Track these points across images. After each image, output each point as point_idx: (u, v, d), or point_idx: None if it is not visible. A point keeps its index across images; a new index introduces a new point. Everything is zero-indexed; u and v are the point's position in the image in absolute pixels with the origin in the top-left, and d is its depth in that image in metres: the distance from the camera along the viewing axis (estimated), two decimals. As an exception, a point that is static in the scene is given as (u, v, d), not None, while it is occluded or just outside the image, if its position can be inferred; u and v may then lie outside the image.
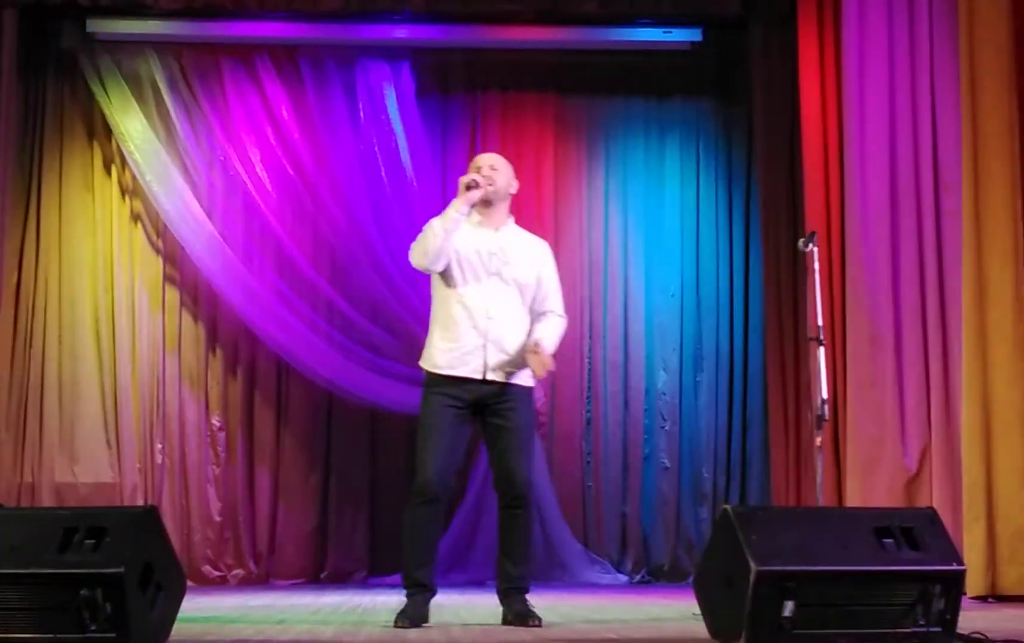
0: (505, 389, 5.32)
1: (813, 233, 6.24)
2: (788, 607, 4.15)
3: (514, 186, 5.59)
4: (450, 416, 5.29)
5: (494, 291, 5.35)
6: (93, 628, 4.01)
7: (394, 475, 9.19)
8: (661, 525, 9.31)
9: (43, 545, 4.12)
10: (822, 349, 5.93)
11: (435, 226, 5.35)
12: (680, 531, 9.30)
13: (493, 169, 5.47)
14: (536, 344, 5.28)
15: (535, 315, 5.50)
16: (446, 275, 5.40)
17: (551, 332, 5.47)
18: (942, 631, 4.30)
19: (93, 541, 4.08)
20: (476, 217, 5.46)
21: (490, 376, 5.30)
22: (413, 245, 5.46)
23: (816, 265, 6.07)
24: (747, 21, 9.05)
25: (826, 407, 5.82)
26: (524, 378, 5.41)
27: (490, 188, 5.40)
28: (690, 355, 9.49)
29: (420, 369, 5.48)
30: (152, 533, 4.26)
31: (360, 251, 9.21)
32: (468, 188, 5.34)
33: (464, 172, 5.30)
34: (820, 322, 6.07)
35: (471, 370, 5.29)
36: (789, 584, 4.15)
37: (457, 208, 5.32)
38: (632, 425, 9.42)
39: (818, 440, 5.96)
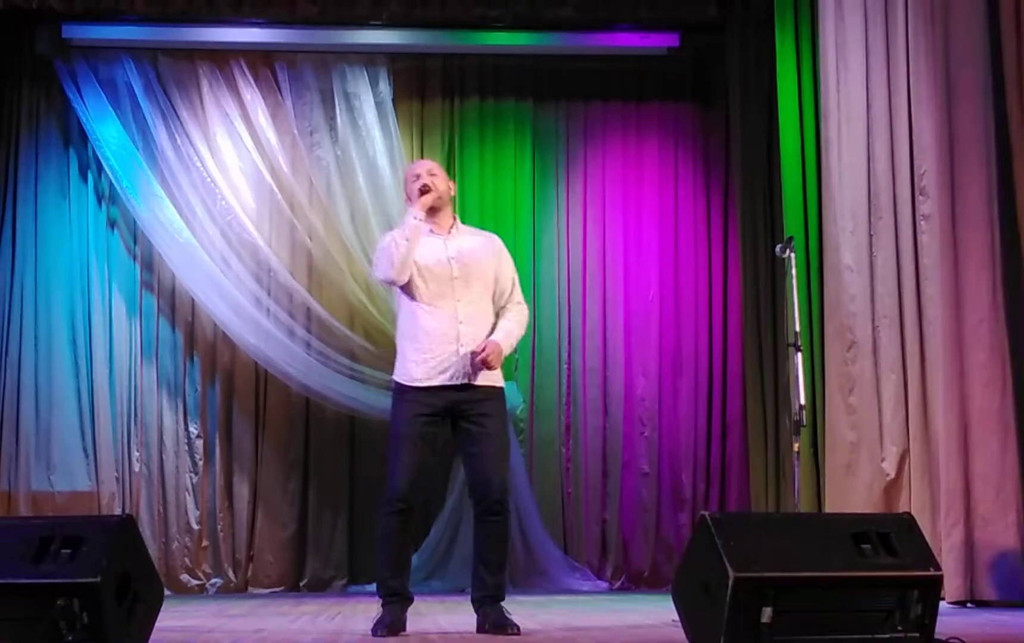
0: (479, 392, 5.30)
1: (790, 238, 6.25)
2: (766, 613, 4.14)
3: (453, 187, 5.63)
4: (419, 426, 5.26)
5: (460, 296, 5.34)
6: (70, 638, 3.96)
7: (373, 482, 9.10)
8: (641, 531, 9.32)
9: (18, 555, 4.08)
10: (800, 355, 5.94)
11: (396, 237, 5.33)
12: (660, 537, 9.31)
13: (433, 174, 5.47)
14: (475, 353, 5.26)
15: (498, 308, 5.48)
16: (410, 288, 5.37)
17: (510, 327, 5.44)
18: (920, 636, 4.29)
19: (69, 551, 4.05)
20: (425, 226, 5.45)
21: (464, 381, 5.27)
22: (376, 259, 5.44)
23: (793, 271, 6.07)
24: (724, 25, 9.07)
25: (804, 412, 5.83)
26: (498, 378, 5.40)
27: (435, 194, 5.41)
28: (669, 360, 9.50)
29: (393, 382, 5.44)
30: (129, 542, 4.22)
31: (338, 257, 9.19)
32: (422, 193, 5.34)
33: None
34: (797, 328, 6.07)
35: (448, 378, 5.27)
36: (767, 590, 4.13)
37: (415, 214, 5.32)
38: (611, 431, 9.43)
39: (796, 445, 5.95)
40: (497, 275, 5.48)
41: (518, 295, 5.55)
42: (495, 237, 5.67)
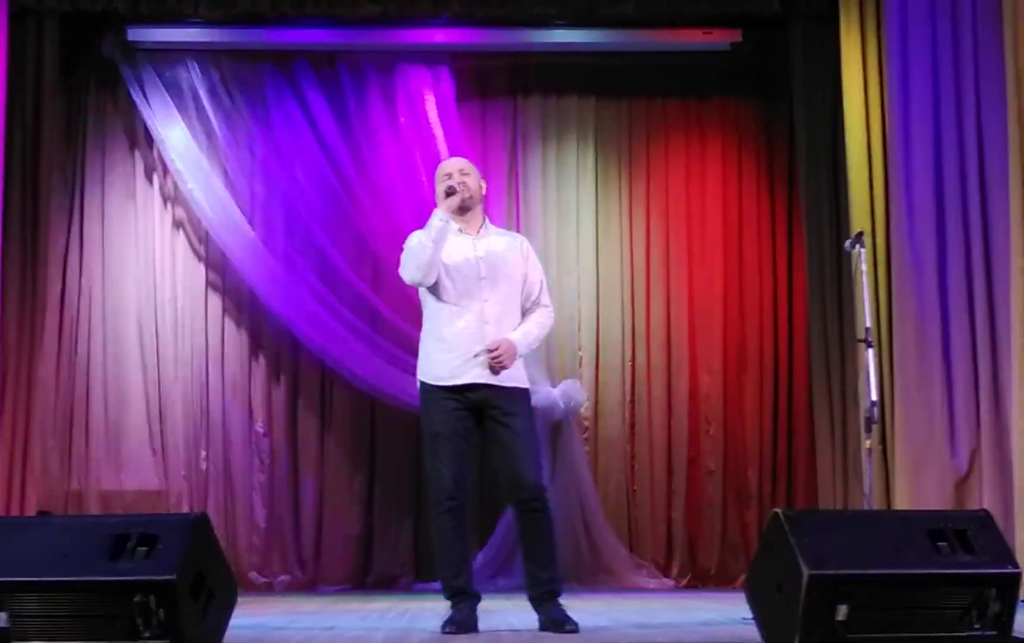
0: (503, 392, 5.29)
1: (860, 234, 6.19)
2: (841, 611, 4.12)
3: (483, 187, 5.59)
4: (454, 421, 5.26)
5: (487, 296, 5.33)
6: (146, 635, 4.02)
7: (438, 480, 9.18)
8: (707, 529, 9.27)
9: (95, 552, 4.13)
10: (871, 351, 5.88)
11: (421, 238, 5.32)
12: (726, 535, 9.26)
13: (464, 174, 5.45)
14: (489, 346, 5.25)
15: (524, 311, 5.47)
16: (438, 288, 5.37)
17: (527, 329, 5.44)
18: (997, 634, 4.25)
19: (145, 548, 4.10)
20: (455, 225, 5.44)
21: (490, 380, 5.27)
22: (402, 260, 5.43)
23: (864, 266, 6.02)
24: (787, 20, 8.99)
25: (875, 409, 5.77)
26: (522, 379, 5.39)
27: (467, 195, 5.39)
28: (734, 357, 9.44)
29: (419, 382, 5.44)
30: (204, 540, 4.26)
31: (401, 256, 9.19)
32: (448, 195, 5.32)
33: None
34: (868, 324, 6.02)
35: (473, 377, 5.26)
36: (842, 588, 4.11)
37: (440, 217, 5.30)
38: (676, 428, 9.38)
39: (868, 442, 5.90)
40: (525, 277, 5.47)
41: (544, 298, 5.54)
42: (523, 239, 5.70)
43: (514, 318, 5.40)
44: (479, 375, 5.25)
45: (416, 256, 5.32)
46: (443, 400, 5.28)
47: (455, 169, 5.48)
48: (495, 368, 5.24)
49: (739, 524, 9.30)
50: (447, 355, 5.30)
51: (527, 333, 5.42)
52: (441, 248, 5.30)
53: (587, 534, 8.95)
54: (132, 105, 9.27)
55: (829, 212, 8.77)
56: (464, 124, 9.38)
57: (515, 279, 5.43)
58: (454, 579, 5.28)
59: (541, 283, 5.55)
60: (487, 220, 5.56)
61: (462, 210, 5.40)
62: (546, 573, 5.31)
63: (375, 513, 9.31)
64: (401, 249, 8.92)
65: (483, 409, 5.29)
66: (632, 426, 9.40)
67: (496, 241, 5.48)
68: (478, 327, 5.29)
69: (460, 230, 5.42)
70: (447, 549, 5.27)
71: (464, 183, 5.40)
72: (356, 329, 9.19)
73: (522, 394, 5.38)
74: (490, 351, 5.23)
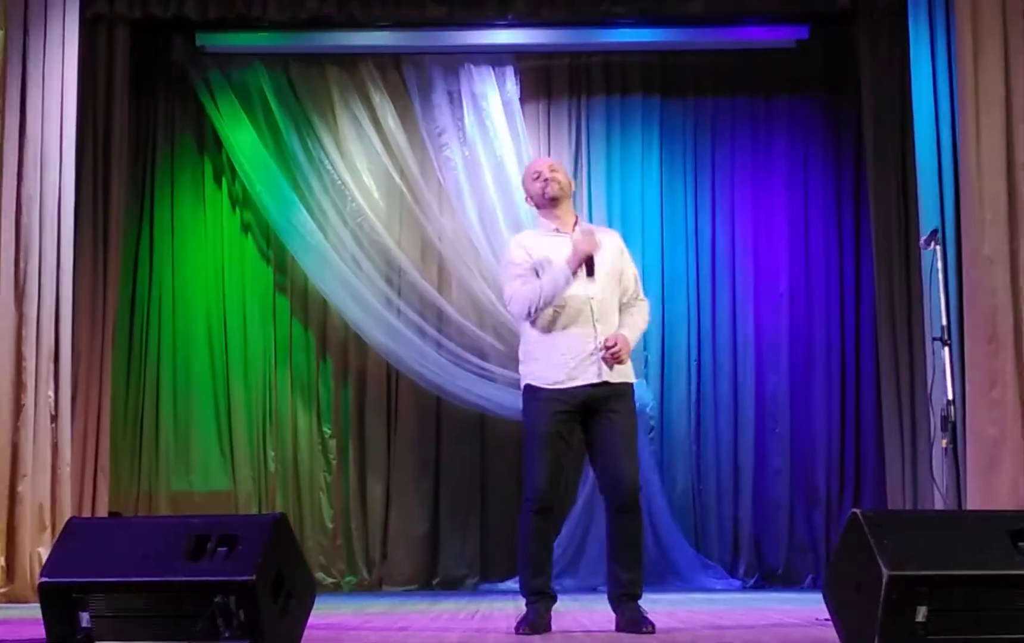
0: (611, 388, 5.28)
1: (935, 231, 6.14)
2: (921, 612, 4.08)
3: (573, 183, 5.62)
4: (556, 424, 5.26)
5: (591, 293, 5.32)
6: (227, 635, 4.05)
7: (504, 480, 9.23)
8: (773, 529, 9.23)
9: (176, 553, 4.17)
10: (946, 349, 5.82)
11: (545, 290, 5.28)
12: (793, 535, 9.21)
13: (554, 170, 5.47)
14: (603, 346, 5.24)
15: (622, 306, 5.47)
16: None
17: (634, 323, 5.44)
18: (1080, 636, 4.20)
19: (225, 549, 4.13)
20: (551, 224, 5.44)
21: (605, 378, 5.26)
22: (514, 297, 5.38)
23: (939, 263, 5.96)
24: (855, 15, 8.91)
25: (952, 408, 5.72)
26: (631, 374, 5.39)
27: (555, 188, 5.40)
28: (800, 356, 9.39)
29: (524, 384, 5.43)
30: (283, 541, 4.29)
31: (467, 257, 9.24)
32: (585, 261, 5.28)
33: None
34: (944, 321, 5.96)
35: (589, 376, 5.25)
36: (922, 589, 4.08)
37: (568, 277, 5.26)
38: (742, 428, 9.34)
39: (944, 441, 5.85)
40: (622, 272, 5.47)
41: (640, 291, 5.55)
42: (617, 234, 5.71)
43: (615, 313, 5.40)
44: (595, 374, 5.26)
45: (531, 301, 5.29)
46: (550, 402, 5.28)
47: (545, 167, 5.49)
48: (610, 363, 5.24)
49: (806, 524, 9.25)
50: (561, 357, 5.29)
51: (634, 326, 5.43)
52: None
53: (653, 533, 8.92)
54: (201, 110, 9.38)
55: (897, 209, 8.68)
56: (529, 124, 9.40)
57: (613, 275, 5.41)
58: (533, 579, 5.29)
59: (636, 277, 5.55)
60: (579, 217, 5.55)
61: (554, 203, 5.42)
62: (629, 575, 5.31)
63: (441, 513, 9.34)
64: (469, 249, 9.06)
65: (591, 406, 5.29)
66: (698, 425, 9.37)
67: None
68: (587, 325, 5.29)
69: (556, 230, 5.43)
70: (530, 549, 5.28)
71: (555, 178, 5.41)
72: (421, 330, 9.22)
73: (629, 389, 5.37)
74: (607, 347, 5.23)
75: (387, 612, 6.79)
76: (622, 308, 5.46)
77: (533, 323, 5.38)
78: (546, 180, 5.42)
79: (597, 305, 5.30)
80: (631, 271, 5.53)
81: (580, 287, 5.30)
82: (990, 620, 4.19)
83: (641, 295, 5.55)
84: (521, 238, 5.60)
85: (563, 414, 5.27)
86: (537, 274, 5.35)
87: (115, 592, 4.15)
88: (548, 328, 5.34)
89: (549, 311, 5.31)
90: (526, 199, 5.57)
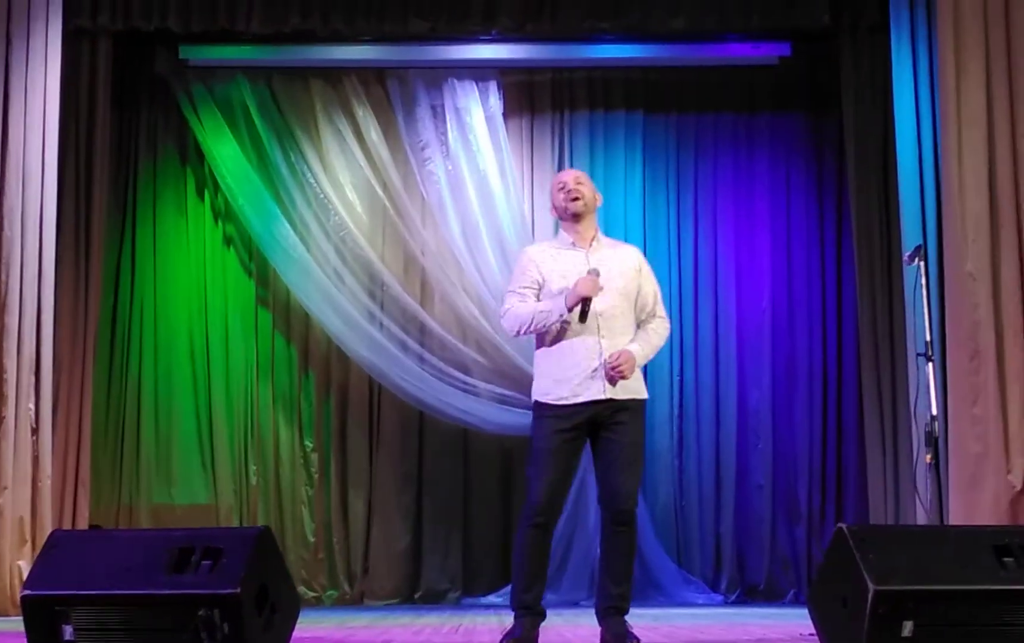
0: (619, 404, 5.27)
1: (919, 246, 6.16)
2: (907, 627, 4.09)
3: (599, 198, 5.56)
4: (560, 441, 5.24)
5: (602, 307, 5.29)
6: (211, 648, 4.03)
7: (487, 495, 9.23)
8: (756, 544, 9.23)
9: (160, 566, 4.16)
10: (931, 365, 5.84)
11: (536, 318, 5.27)
12: (775, 550, 9.21)
13: (579, 183, 5.44)
14: (607, 362, 5.23)
15: (640, 323, 5.44)
16: None
17: (646, 340, 5.40)
18: (1065, 651, 4.21)
19: (209, 562, 4.11)
20: (568, 238, 5.43)
21: (609, 395, 5.24)
22: (507, 314, 5.39)
23: (923, 279, 5.98)
24: (837, 32, 8.94)
25: (936, 424, 5.73)
26: (640, 390, 5.35)
27: (579, 205, 5.38)
28: (782, 372, 9.40)
29: (533, 400, 5.43)
30: (267, 554, 4.28)
31: (450, 271, 9.24)
32: (583, 303, 5.27)
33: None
34: (928, 337, 5.97)
35: (594, 393, 5.24)
36: (908, 604, 4.09)
37: (562, 315, 5.26)
38: (724, 443, 9.35)
39: (928, 457, 5.86)
40: (639, 289, 5.44)
41: (660, 310, 5.49)
42: (637, 250, 5.62)
43: (628, 331, 5.36)
44: (598, 391, 5.23)
45: (521, 322, 5.31)
46: (556, 418, 5.27)
47: (570, 178, 5.46)
48: (614, 379, 5.23)
49: (788, 539, 9.26)
50: (567, 373, 5.27)
51: (645, 343, 5.38)
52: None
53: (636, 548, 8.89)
54: (183, 122, 9.37)
55: (879, 226, 8.71)
56: (512, 139, 9.41)
57: (629, 292, 5.38)
58: (524, 593, 5.27)
59: (656, 295, 5.50)
60: (599, 232, 5.52)
61: (575, 218, 5.40)
62: (618, 589, 5.31)
63: (423, 527, 9.32)
64: (452, 263, 9.06)
65: (597, 421, 5.27)
66: (680, 441, 9.38)
67: (608, 254, 5.43)
68: (594, 342, 5.27)
69: (573, 244, 5.41)
70: (524, 563, 5.26)
71: (579, 192, 5.39)
72: (404, 344, 9.21)
73: (637, 405, 5.35)
74: (611, 365, 5.21)
75: (370, 626, 6.78)
76: (640, 325, 5.45)
77: (544, 341, 5.37)
78: (569, 192, 5.39)
79: (604, 322, 5.28)
80: (649, 288, 5.48)
81: (589, 303, 5.28)
82: (976, 635, 4.21)
83: (660, 313, 5.49)
84: (535, 250, 5.54)
85: (567, 431, 5.25)
86: (538, 296, 5.35)
87: (98, 605, 4.13)
88: (554, 343, 5.33)
89: (557, 325, 5.31)
90: (550, 209, 5.54)
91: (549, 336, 5.34)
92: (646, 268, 5.51)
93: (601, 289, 5.27)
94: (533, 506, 5.22)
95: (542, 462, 5.24)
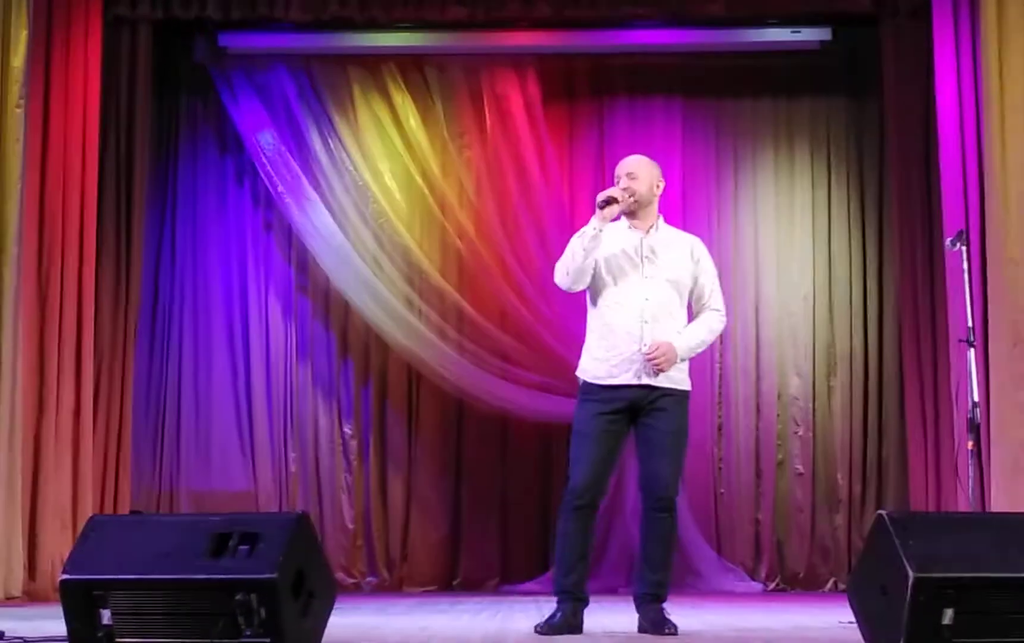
0: (659, 391, 5.24)
1: (961, 232, 6.10)
2: (948, 615, 4.05)
3: (660, 185, 5.46)
4: (603, 423, 5.22)
5: (648, 293, 5.26)
6: (248, 633, 4.03)
7: (526, 482, 9.21)
8: (795, 532, 9.18)
9: (197, 551, 4.16)
10: (972, 351, 5.78)
11: (574, 245, 5.26)
12: (815, 538, 9.16)
13: (631, 178, 5.35)
14: (647, 351, 5.18)
15: (694, 314, 5.41)
16: (597, 282, 5.32)
17: (693, 332, 5.36)
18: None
19: (247, 547, 4.11)
20: (625, 222, 5.39)
21: (646, 380, 5.21)
22: (557, 265, 5.39)
23: (965, 264, 5.92)
24: (878, 16, 8.86)
25: (978, 410, 5.67)
26: (681, 381, 5.32)
27: (631, 200, 5.31)
28: (823, 359, 9.34)
29: (557, 378, 5.42)
30: (305, 539, 4.28)
31: (488, 259, 9.22)
32: (605, 205, 5.23)
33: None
34: (970, 323, 5.92)
35: (630, 376, 5.21)
36: (949, 592, 4.04)
37: (594, 225, 5.22)
38: (764, 431, 9.31)
39: (970, 444, 5.81)
40: (695, 274, 5.39)
41: (715, 301, 5.43)
42: (696, 240, 5.55)
43: (676, 319, 5.30)
44: (635, 376, 5.21)
45: (565, 263, 5.27)
46: (596, 401, 5.25)
47: (623, 172, 5.38)
48: (652, 371, 5.20)
49: (828, 527, 9.20)
50: (606, 353, 5.26)
51: (692, 336, 5.32)
52: (592, 256, 5.23)
53: (675, 536, 8.88)
54: (223, 109, 9.39)
55: (921, 211, 8.64)
56: (551, 126, 9.37)
57: (681, 280, 5.33)
58: (564, 577, 5.26)
59: (712, 286, 5.45)
60: (661, 219, 5.44)
61: (629, 214, 5.35)
62: (656, 576, 5.29)
63: (462, 515, 9.33)
64: (490, 250, 9.06)
65: (637, 406, 5.25)
66: (720, 428, 9.34)
67: (665, 240, 5.38)
68: (637, 326, 5.23)
69: (630, 227, 5.37)
70: (566, 547, 5.25)
71: (629, 188, 5.32)
72: (442, 331, 9.21)
73: (678, 395, 5.30)
74: (648, 355, 5.18)
75: (408, 612, 6.79)
76: (694, 315, 5.42)
77: (592, 319, 5.35)
78: (626, 191, 5.34)
79: (649, 308, 5.24)
80: (706, 280, 5.43)
81: (636, 287, 5.25)
82: (1018, 624, 4.14)
83: (714, 306, 5.43)
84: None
85: (608, 414, 5.23)
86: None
87: (136, 589, 4.13)
88: (600, 323, 5.31)
89: (604, 308, 5.26)
90: None
91: (596, 314, 5.31)
92: (706, 260, 5.46)
93: (626, 190, 5.23)
94: (573, 489, 5.21)
95: (582, 445, 5.23)
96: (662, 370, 5.19)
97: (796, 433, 9.28)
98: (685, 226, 9.25)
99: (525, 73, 9.37)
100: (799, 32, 9.22)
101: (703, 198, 9.52)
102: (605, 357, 5.24)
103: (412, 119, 9.37)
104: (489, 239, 9.26)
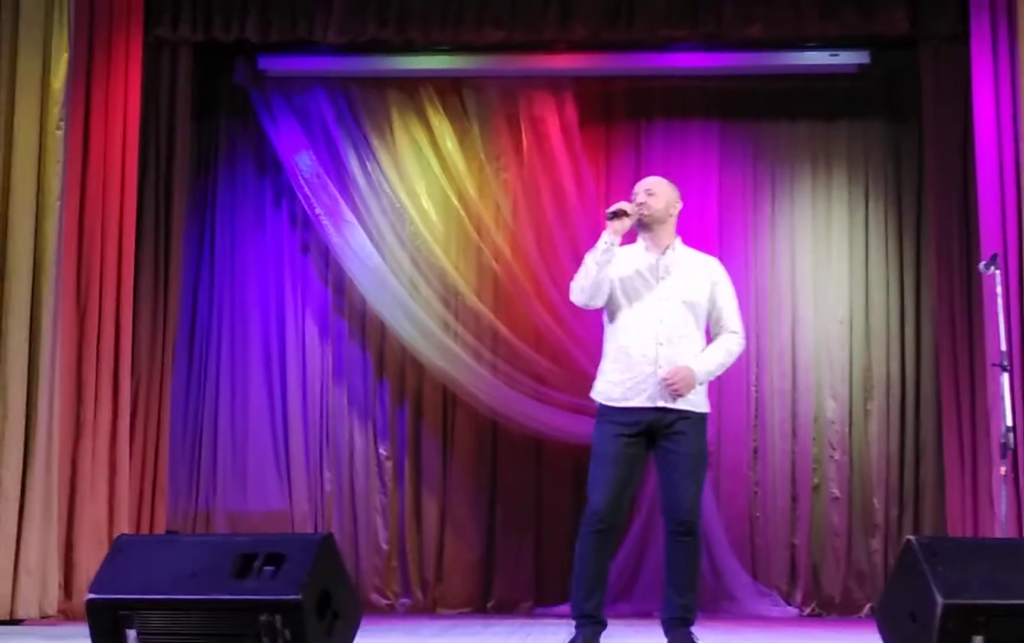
0: (675, 414, 5.23)
1: (995, 255, 6.06)
2: (977, 642, 4.01)
3: (676, 207, 5.46)
4: (620, 445, 5.22)
5: (663, 314, 5.25)
6: (273, 654, 4.06)
7: (560, 504, 9.18)
8: (831, 557, 9.11)
9: (222, 571, 4.19)
10: (1006, 375, 5.74)
11: (587, 260, 5.28)
12: (851, 563, 9.08)
13: (649, 194, 5.38)
14: (665, 376, 5.16)
15: (712, 336, 5.39)
16: (612, 304, 5.34)
17: (711, 356, 5.34)
18: None
19: (272, 568, 4.14)
20: (641, 242, 5.40)
21: (661, 403, 5.21)
22: (572, 282, 5.40)
23: (999, 289, 5.88)
24: (917, 40, 8.81)
25: (1011, 435, 5.63)
26: (699, 403, 5.30)
27: (645, 213, 5.31)
28: (859, 383, 9.27)
29: (592, 400, 5.41)
30: (330, 560, 4.30)
31: (524, 281, 9.23)
32: (614, 217, 5.25)
33: (626, 201, 5.30)
34: (1004, 347, 5.87)
35: (644, 399, 5.21)
36: (978, 619, 4.01)
37: (605, 239, 5.23)
38: (800, 454, 9.24)
39: (1003, 469, 5.76)
40: (712, 295, 5.38)
41: (733, 323, 5.43)
42: (715, 262, 5.56)
43: (692, 341, 5.31)
44: (650, 398, 5.20)
45: (579, 278, 5.29)
46: (613, 422, 5.25)
47: (641, 188, 5.42)
48: (671, 395, 5.18)
49: (865, 552, 9.12)
50: (620, 375, 5.26)
51: (711, 360, 5.32)
52: (605, 270, 5.23)
53: (709, 559, 8.84)
54: (262, 131, 9.44)
55: (959, 235, 8.57)
56: (588, 148, 9.38)
57: (697, 302, 5.34)
58: (584, 601, 5.26)
59: (730, 308, 5.45)
60: (678, 240, 5.46)
61: (645, 228, 5.36)
62: (682, 599, 5.28)
63: (496, 537, 9.31)
64: (526, 272, 9.08)
65: (655, 429, 5.24)
66: (755, 452, 9.29)
67: (681, 261, 5.39)
68: (652, 348, 5.23)
69: (645, 248, 5.38)
70: (584, 570, 5.25)
71: (646, 203, 5.33)
72: (478, 353, 9.22)
73: (695, 417, 5.30)
74: (666, 380, 5.17)
75: (438, 635, 6.78)
76: (712, 337, 5.41)
77: (607, 341, 5.35)
78: (639, 204, 5.35)
79: (664, 330, 5.24)
80: (724, 302, 5.43)
81: (650, 308, 5.25)
82: (1047, 652, 4.11)
83: (732, 328, 5.44)
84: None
85: (626, 437, 5.23)
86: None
87: (162, 610, 4.17)
88: (615, 345, 5.31)
89: (620, 330, 5.26)
90: None
91: (611, 336, 5.31)
92: (724, 281, 5.45)
93: (640, 209, 5.22)
94: (593, 512, 5.21)
95: (601, 466, 5.23)
96: (680, 395, 5.17)
97: (832, 457, 9.22)
98: (721, 249, 9.29)
99: (562, 96, 9.38)
100: (837, 55, 9.17)
101: (740, 221, 9.49)
102: (619, 379, 5.25)
103: (449, 141, 9.39)
104: (525, 261, 9.26)
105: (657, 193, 5.39)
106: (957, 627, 3.98)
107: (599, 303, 5.30)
